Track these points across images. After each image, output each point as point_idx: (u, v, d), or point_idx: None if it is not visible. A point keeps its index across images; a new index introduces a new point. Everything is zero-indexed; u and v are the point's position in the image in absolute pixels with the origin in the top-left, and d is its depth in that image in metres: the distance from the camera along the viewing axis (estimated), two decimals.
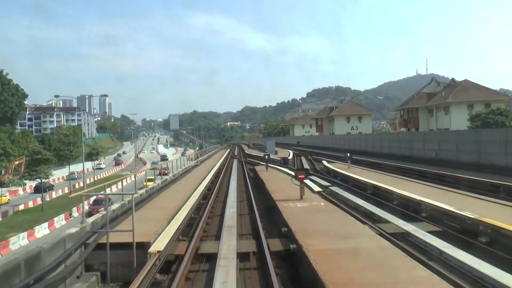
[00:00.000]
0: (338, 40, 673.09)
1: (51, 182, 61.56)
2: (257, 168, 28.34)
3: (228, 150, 71.26)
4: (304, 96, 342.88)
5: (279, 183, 18.49)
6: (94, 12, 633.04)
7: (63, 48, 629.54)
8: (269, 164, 27.39)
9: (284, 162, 33.53)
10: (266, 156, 29.04)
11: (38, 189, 52.38)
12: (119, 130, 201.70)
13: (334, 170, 26.12)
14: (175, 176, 24.23)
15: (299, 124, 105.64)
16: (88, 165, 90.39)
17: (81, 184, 58.62)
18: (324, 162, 31.57)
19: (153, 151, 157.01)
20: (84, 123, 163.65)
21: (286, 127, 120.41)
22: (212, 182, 22.73)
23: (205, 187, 19.47)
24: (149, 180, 29.22)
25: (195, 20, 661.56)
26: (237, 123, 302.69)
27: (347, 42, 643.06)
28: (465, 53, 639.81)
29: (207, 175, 24.77)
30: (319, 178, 23.27)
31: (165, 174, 24.64)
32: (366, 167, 26.86)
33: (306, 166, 30.14)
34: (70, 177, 60.85)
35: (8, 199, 47.82)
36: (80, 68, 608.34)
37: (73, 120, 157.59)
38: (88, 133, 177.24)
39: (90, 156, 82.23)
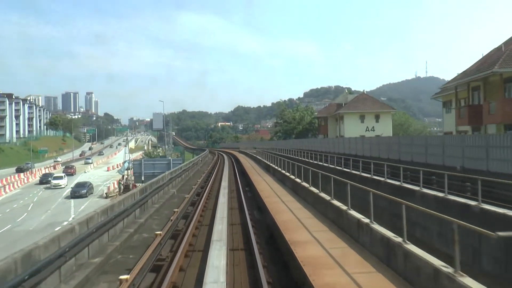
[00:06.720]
0: (337, 43, 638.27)
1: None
2: None
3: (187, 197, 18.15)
4: (301, 95, 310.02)
5: None
6: (85, 10, 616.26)
7: (53, 45, 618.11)
8: None
9: None
10: None
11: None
12: (78, 127, 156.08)
13: None
14: None
15: (353, 114, 55.04)
16: None
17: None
18: None
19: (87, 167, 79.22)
20: (16, 116, 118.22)
21: (322, 122, 68.13)
22: None
23: None
24: None
25: (187, 20, 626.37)
26: (229, 123, 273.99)
27: (346, 44, 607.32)
28: (464, 56, 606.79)
29: None
30: None
31: None
32: None
33: None
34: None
35: None
36: (70, 65, 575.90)
37: None
38: (33, 129, 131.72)
39: None
